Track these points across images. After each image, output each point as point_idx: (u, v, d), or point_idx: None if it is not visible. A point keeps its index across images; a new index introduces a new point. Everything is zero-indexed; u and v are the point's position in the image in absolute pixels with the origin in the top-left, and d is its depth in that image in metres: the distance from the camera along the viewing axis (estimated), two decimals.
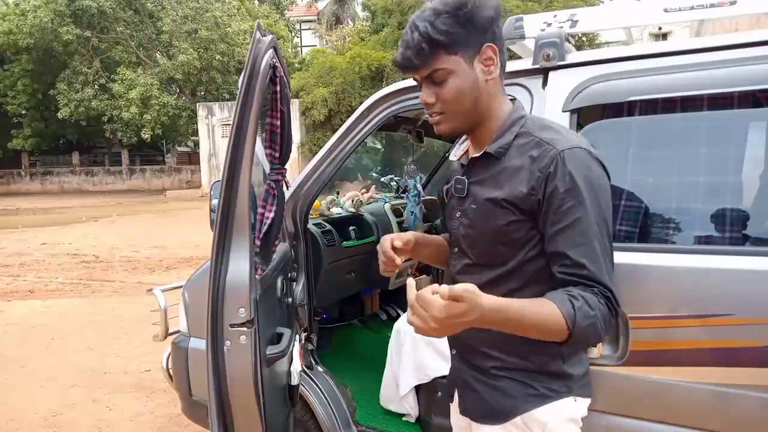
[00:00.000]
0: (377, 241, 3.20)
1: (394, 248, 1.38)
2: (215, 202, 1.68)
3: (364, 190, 3.68)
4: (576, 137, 1.20)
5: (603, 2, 17.93)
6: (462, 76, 1.17)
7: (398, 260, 1.35)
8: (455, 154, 1.38)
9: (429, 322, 0.99)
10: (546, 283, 1.18)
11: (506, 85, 1.82)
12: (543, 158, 1.14)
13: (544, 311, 1.08)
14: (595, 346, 1.16)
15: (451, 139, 1.69)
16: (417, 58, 1.15)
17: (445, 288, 0.99)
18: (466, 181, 1.28)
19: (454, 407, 1.44)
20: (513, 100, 1.32)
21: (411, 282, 1.05)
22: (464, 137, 1.38)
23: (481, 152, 1.25)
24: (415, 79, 1.23)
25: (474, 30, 1.13)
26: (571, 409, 1.25)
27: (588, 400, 1.30)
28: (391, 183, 4.01)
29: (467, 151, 1.34)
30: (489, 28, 1.15)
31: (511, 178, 1.18)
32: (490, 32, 1.15)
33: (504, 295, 1.11)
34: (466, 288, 0.99)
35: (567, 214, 1.12)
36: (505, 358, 1.25)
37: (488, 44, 1.15)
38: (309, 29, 32.07)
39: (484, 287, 1.15)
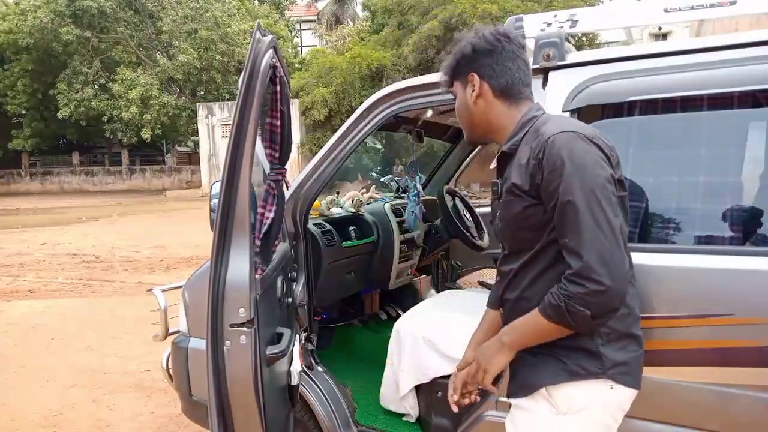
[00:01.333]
0: (377, 241, 3.24)
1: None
2: (215, 202, 1.68)
3: (364, 190, 3.67)
4: (569, 124, 1.33)
5: (603, 2, 17.94)
6: (459, 98, 1.48)
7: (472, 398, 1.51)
8: (493, 164, 1.55)
9: (477, 378, 1.39)
10: None
11: None
12: (537, 147, 1.29)
13: (530, 316, 1.31)
14: (604, 317, 1.23)
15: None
16: (442, 83, 1.54)
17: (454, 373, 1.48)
18: (499, 182, 1.45)
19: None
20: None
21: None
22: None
23: (499, 153, 1.45)
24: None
25: (463, 64, 1.44)
26: (605, 395, 1.30)
27: (629, 390, 1.32)
28: (391, 183, 3.99)
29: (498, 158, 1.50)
30: (473, 60, 1.42)
31: (519, 167, 1.34)
32: (475, 63, 1.42)
33: (536, 276, 1.32)
34: (467, 353, 1.49)
35: (554, 193, 1.24)
36: None
37: (470, 73, 1.43)
38: (309, 29, 32.06)
39: (518, 273, 1.38)
